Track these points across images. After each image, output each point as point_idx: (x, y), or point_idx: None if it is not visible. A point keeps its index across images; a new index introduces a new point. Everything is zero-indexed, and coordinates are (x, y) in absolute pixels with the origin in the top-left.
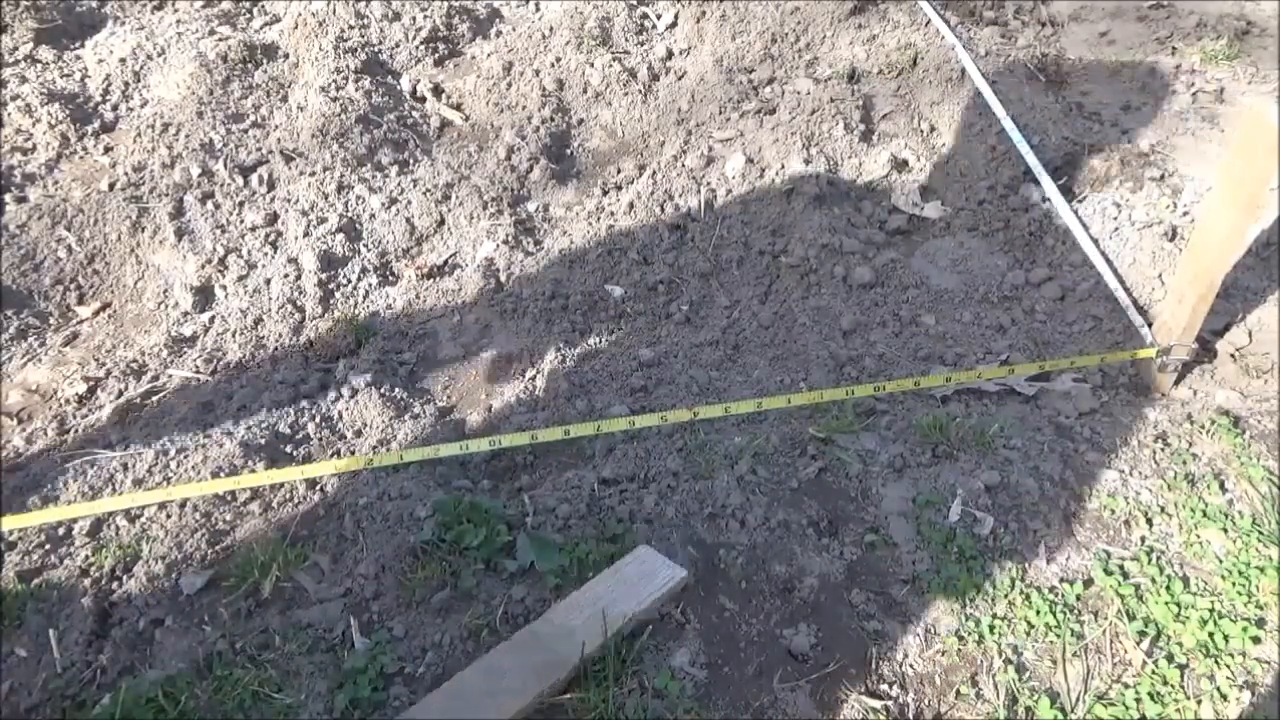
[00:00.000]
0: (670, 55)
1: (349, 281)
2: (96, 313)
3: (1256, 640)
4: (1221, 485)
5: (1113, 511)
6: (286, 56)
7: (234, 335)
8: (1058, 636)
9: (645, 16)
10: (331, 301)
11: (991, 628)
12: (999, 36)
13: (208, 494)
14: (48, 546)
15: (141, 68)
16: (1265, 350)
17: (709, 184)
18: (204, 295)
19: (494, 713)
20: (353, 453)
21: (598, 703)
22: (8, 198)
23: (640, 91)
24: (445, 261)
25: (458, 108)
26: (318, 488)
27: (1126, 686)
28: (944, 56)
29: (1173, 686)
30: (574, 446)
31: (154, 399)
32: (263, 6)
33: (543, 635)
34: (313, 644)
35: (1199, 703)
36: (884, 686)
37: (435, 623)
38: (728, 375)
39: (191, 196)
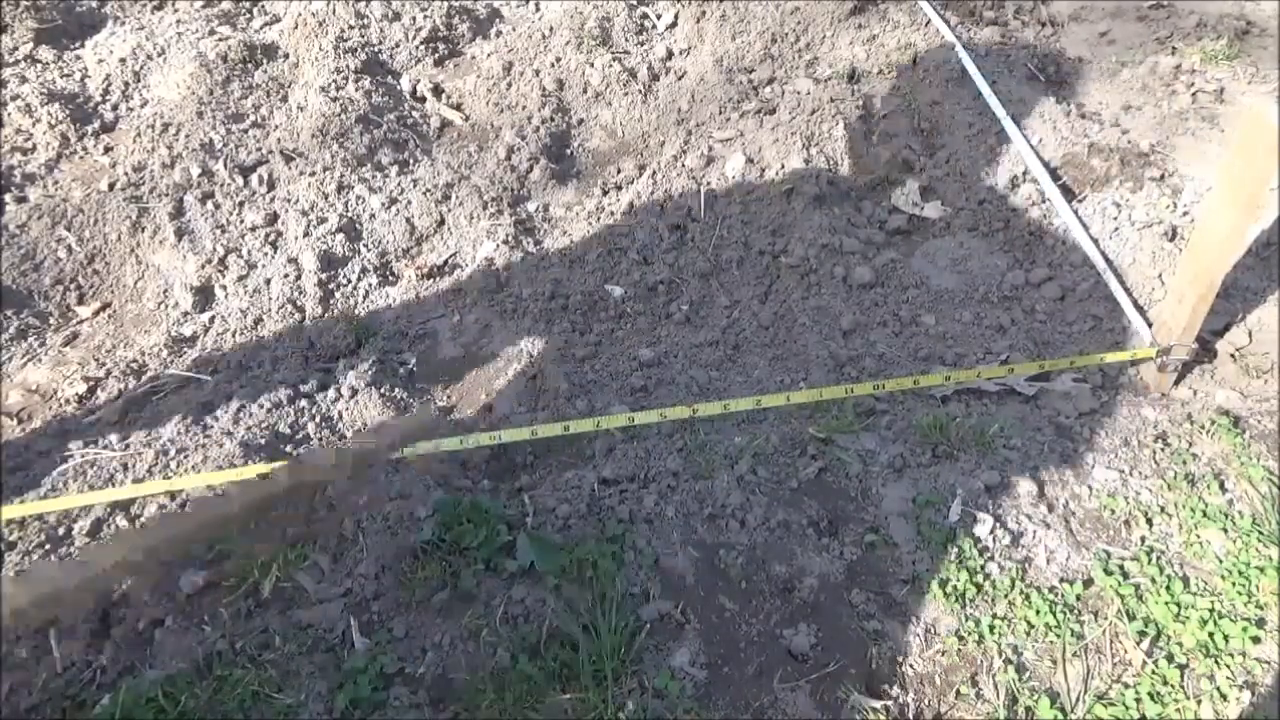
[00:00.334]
0: (670, 55)
1: (349, 281)
2: (96, 313)
3: (1256, 640)
4: (1221, 485)
5: (1113, 511)
6: (286, 56)
7: (234, 335)
8: (1058, 636)
9: (645, 16)
10: (331, 301)
11: (991, 628)
12: (999, 36)
13: (207, 494)
14: (48, 546)
15: (141, 68)
16: (1265, 350)
17: (709, 184)
18: (204, 295)
19: None
20: None
21: (597, 703)
22: (8, 198)
23: (640, 91)
24: (445, 261)
25: (458, 108)
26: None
27: (1126, 686)
28: (944, 56)
29: (1173, 686)
30: (574, 447)
31: (154, 399)
32: (263, 6)
33: None
34: (313, 644)
35: (1199, 703)
36: (884, 686)
37: (435, 623)
38: (728, 375)
39: (191, 196)
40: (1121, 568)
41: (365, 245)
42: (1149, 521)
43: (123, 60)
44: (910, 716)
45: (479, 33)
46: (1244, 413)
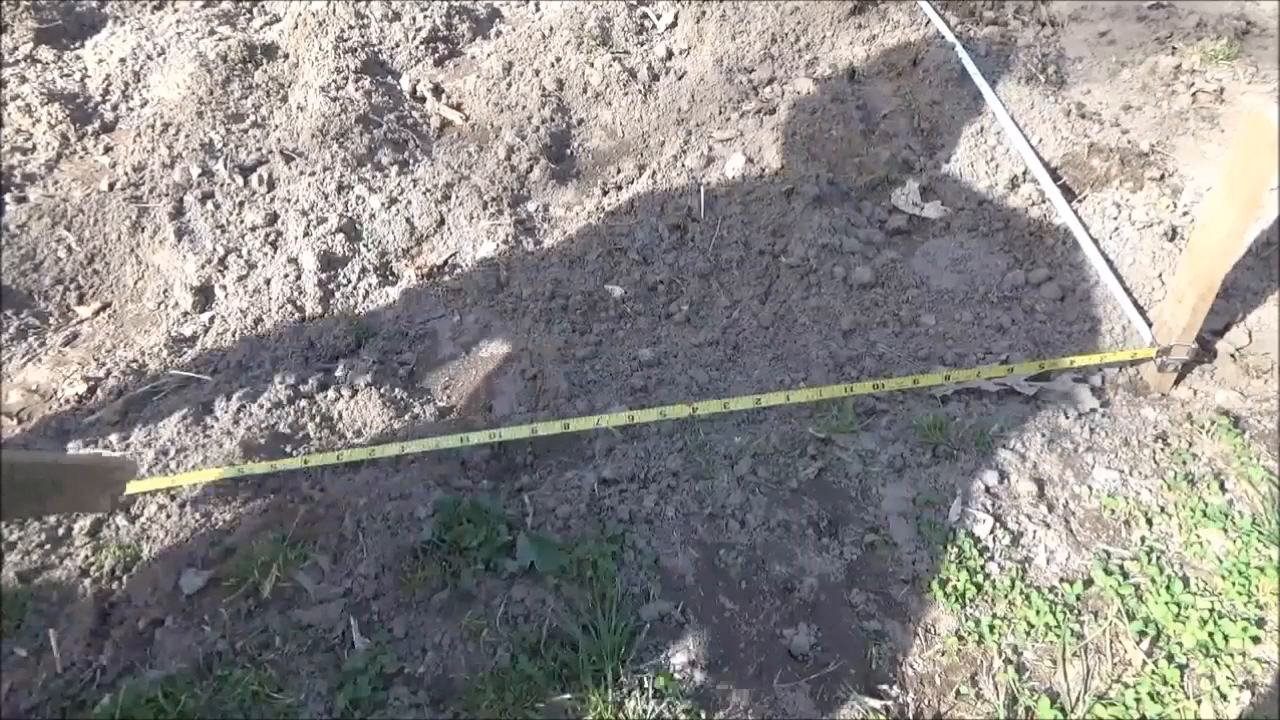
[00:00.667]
0: (670, 55)
1: (349, 281)
2: (96, 313)
3: (1256, 640)
4: (1221, 485)
5: (1113, 511)
6: (286, 56)
7: (234, 335)
8: (1058, 636)
9: (645, 16)
10: (331, 301)
11: (991, 628)
12: (999, 36)
13: (208, 492)
14: (48, 546)
15: (141, 68)
16: (1265, 350)
17: (709, 184)
18: (204, 295)
19: None
20: None
21: (598, 703)
22: (8, 198)
23: (640, 91)
24: (445, 261)
25: (458, 108)
26: (318, 487)
27: (1126, 686)
28: (944, 56)
29: (1173, 686)
30: (574, 447)
31: (154, 399)
32: (263, 6)
33: None
34: (313, 644)
35: (1199, 703)
36: (884, 686)
37: (435, 623)
38: (728, 375)
39: (191, 196)
40: (1121, 568)
41: (365, 245)
42: (1149, 521)
43: (123, 60)
44: (910, 716)
45: (479, 33)
46: (1244, 413)
